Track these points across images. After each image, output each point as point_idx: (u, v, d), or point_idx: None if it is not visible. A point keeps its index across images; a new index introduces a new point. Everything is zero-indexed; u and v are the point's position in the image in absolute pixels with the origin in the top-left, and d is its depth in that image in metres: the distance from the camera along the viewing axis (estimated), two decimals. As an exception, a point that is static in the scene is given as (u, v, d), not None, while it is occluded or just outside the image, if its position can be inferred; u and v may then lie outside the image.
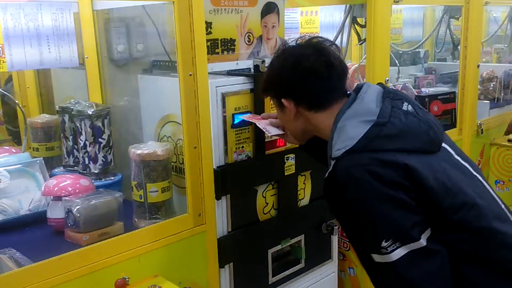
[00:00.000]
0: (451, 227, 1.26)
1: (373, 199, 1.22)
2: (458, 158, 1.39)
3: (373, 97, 1.34)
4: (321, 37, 1.45)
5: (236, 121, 1.75)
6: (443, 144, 1.37)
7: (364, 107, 1.32)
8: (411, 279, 1.23)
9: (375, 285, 1.40)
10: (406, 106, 1.33)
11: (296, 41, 1.45)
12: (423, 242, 1.22)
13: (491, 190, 1.39)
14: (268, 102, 1.85)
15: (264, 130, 1.66)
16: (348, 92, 1.43)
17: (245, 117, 1.74)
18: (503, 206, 1.38)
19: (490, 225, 1.27)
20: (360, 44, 2.49)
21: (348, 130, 1.29)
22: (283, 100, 1.43)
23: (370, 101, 1.33)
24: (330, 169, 1.29)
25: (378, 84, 1.43)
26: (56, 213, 1.66)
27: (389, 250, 1.22)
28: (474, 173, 1.39)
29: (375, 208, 1.22)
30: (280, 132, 1.64)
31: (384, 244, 1.22)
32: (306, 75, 1.37)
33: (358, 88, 1.39)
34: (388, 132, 1.26)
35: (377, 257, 1.25)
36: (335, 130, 1.32)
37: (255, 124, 1.70)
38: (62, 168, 2.00)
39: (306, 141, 1.57)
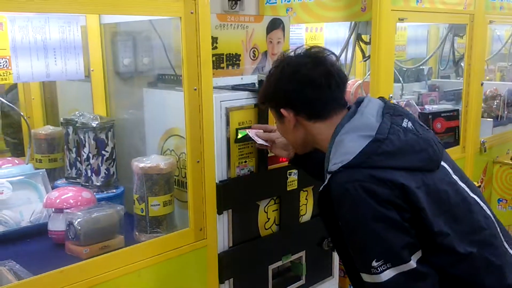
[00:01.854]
0: (441, 250, 1.25)
1: (366, 217, 1.20)
2: (456, 178, 1.37)
3: (373, 111, 1.33)
4: (319, 47, 1.44)
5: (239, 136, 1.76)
6: (442, 163, 1.35)
7: (364, 122, 1.31)
8: None
9: None
10: (406, 123, 1.31)
11: (295, 51, 1.44)
12: (413, 264, 1.20)
13: (488, 211, 1.37)
14: (272, 117, 1.85)
15: (253, 138, 1.72)
16: (348, 105, 1.43)
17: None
18: (499, 229, 1.36)
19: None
20: (364, 61, 2.50)
21: (346, 145, 1.27)
22: (282, 110, 1.41)
23: (370, 116, 1.32)
24: (325, 183, 1.28)
25: (379, 98, 1.42)
26: (57, 225, 1.65)
27: (379, 271, 1.20)
28: (472, 194, 1.37)
29: (368, 226, 1.21)
30: (266, 144, 1.72)
31: (374, 264, 1.20)
32: (304, 84, 1.35)
33: (359, 102, 1.38)
34: (386, 149, 1.24)
35: (366, 277, 1.24)
36: (333, 144, 1.31)
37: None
38: (64, 180, 2.00)
39: (305, 152, 1.56)
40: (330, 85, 1.36)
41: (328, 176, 1.28)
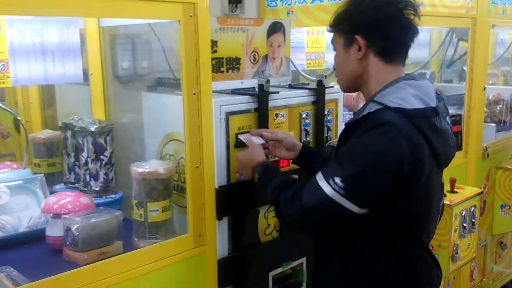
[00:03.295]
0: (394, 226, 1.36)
1: (388, 155, 1.25)
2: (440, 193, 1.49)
3: (433, 90, 1.41)
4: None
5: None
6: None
7: (425, 90, 1.37)
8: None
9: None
10: (448, 119, 1.45)
11: None
12: (356, 209, 1.28)
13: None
14: (272, 121, 1.83)
15: (246, 142, 1.68)
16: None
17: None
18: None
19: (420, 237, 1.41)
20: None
21: (407, 94, 1.33)
22: (357, 37, 1.37)
23: (431, 90, 1.39)
24: (370, 111, 1.31)
25: None
26: (55, 231, 1.64)
27: (331, 187, 1.27)
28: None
29: (377, 162, 1.26)
30: (262, 141, 1.69)
31: (338, 180, 1.26)
32: (392, 18, 1.36)
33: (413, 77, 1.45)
34: (435, 124, 1.33)
35: (317, 178, 1.31)
36: (392, 85, 1.36)
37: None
38: (63, 184, 1.98)
39: (347, 92, 1.56)
40: (409, 32, 1.39)
41: (377, 106, 1.31)
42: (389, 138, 1.26)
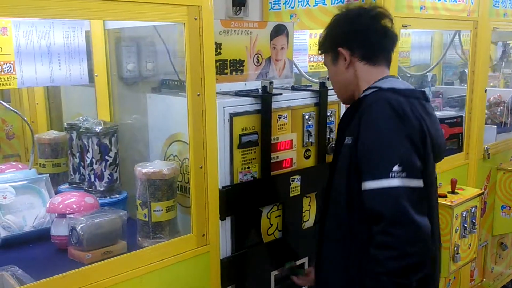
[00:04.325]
0: None
1: (401, 128, 1.34)
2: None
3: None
4: (382, 7, 1.58)
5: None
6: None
7: (408, 86, 1.51)
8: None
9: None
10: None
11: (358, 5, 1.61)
12: (422, 183, 1.33)
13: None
14: (275, 123, 1.85)
15: None
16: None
17: None
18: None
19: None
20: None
21: (396, 82, 1.49)
22: (340, 49, 1.52)
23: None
24: (367, 93, 1.45)
25: None
26: (60, 230, 1.65)
27: (392, 176, 1.29)
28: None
29: (399, 135, 1.34)
30: None
31: (396, 168, 1.30)
32: (364, 27, 1.51)
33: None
34: (425, 106, 1.45)
35: (370, 184, 1.32)
36: (381, 80, 1.49)
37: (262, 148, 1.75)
38: (68, 185, 2.00)
39: (349, 101, 1.61)
40: (386, 37, 1.53)
41: (371, 90, 1.45)
42: (394, 113, 1.34)
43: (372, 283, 1.32)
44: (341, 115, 2.09)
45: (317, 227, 1.70)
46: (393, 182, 1.29)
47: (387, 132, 1.34)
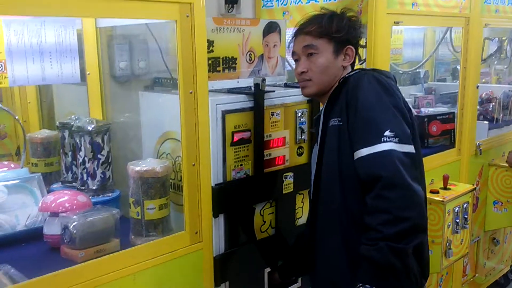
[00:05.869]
0: None
1: (387, 99, 1.43)
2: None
3: None
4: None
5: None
6: None
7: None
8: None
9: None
10: None
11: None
12: (413, 149, 1.39)
13: None
14: (268, 120, 1.85)
15: None
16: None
17: None
18: None
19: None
20: (360, 64, 2.50)
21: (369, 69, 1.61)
22: (350, 47, 1.60)
23: None
24: (350, 74, 1.56)
25: None
26: (52, 229, 1.65)
27: (385, 141, 1.34)
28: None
29: (388, 105, 1.42)
30: None
31: (387, 133, 1.35)
32: (360, 31, 1.66)
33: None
34: (399, 89, 1.54)
35: (364, 151, 1.36)
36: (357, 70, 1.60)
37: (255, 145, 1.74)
38: (60, 184, 2.00)
39: (317, 95, 1.66)
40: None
41: (353, 72, 1.56)
42: (380, 86, 1.44)
43: (368, 250, 1.31)
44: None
45: (309, 216, 1.73)
46: (386, 145, 1.33)
47: (375, 102, 1.40)
